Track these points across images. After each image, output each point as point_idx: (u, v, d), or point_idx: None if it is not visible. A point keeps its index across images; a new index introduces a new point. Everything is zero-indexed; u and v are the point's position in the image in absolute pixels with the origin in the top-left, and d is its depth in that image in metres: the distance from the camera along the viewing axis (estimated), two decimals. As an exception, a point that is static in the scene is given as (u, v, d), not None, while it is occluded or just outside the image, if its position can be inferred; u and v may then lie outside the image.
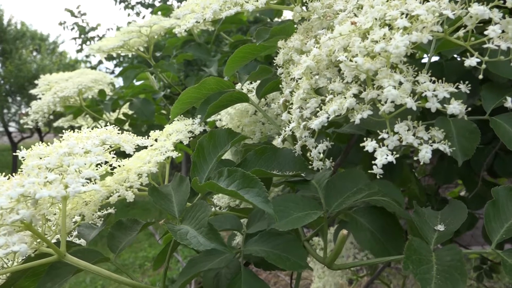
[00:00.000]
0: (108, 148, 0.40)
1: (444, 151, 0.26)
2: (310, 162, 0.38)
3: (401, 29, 0.25)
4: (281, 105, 0.43)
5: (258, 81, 0.65)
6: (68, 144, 0.34)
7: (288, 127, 0.35)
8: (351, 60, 0.27)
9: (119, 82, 1.04)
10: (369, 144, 0.27)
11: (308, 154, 0.36)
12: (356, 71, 0.28)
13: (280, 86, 0.40)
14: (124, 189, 0.40)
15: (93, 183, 0.32)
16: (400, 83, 0.25)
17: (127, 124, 1.05)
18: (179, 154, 0.44)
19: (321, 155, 0.34)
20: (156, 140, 0.49)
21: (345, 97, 0.29)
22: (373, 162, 0.26)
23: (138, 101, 0.98)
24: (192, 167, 0.39)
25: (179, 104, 0.55)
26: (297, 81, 0.35)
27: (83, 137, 0.37)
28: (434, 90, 0.25)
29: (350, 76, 0.29)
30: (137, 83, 1.09)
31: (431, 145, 0.25)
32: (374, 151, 0.26)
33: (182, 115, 0.58)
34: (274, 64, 0.42)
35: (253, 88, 0.68)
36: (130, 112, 1.06)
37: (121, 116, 1.06)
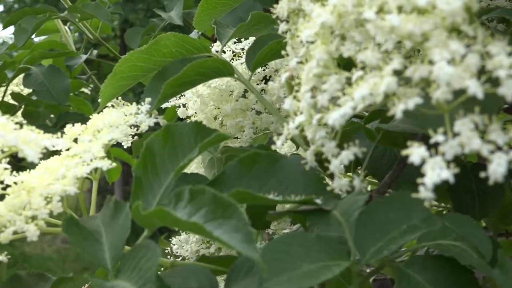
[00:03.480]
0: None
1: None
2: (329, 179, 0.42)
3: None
4: (284, 85, 0.48)
5: (250, 40, 0.70)
6: None
7: (294, 121, 0.40)
8: (383, 19, 0.32)
9: (7, 39, 1.09)
10: (415, 152, 0.31)
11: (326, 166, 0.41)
12: (393, 35, 0.33)
13: (284, 52, 0.45)
14: (24, 220, 0.45)
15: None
16: (461, 56, 0.30)
17: (19, 112, 1.10)
18: (114, 165, 0.49)
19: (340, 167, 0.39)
20: (75, 140, 0.54)
21: (382, 75, 0.34)
22: (418, 180, 0.31)
23: (40, 71, 1.03)
24: (134, 185, 0.44)
25: (115, 80, 0.60)
26: (307, 46, 0.40)
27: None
28: None
29: (389, 42, 0.34)
30: (39, 39, 1.14)
31: (508, 154, 0.30)
32: (423, 163, 0.31)
33: (119, 98, 0.63)
34: (274, 16, 0.47)
35: (242, 51, 0.73)
36: (26, 91, 1.10)
37: (8, 99, 1.11)
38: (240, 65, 0.72)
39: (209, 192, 0.37)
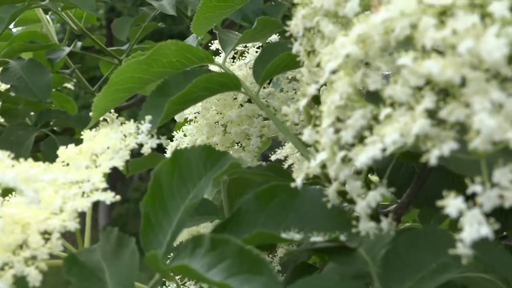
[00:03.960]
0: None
1: None
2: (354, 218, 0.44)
3: (499, 21, 0.31)
4: (302, 112, 0.49)
5: (256, 47, 0.71)
6: None
7: (315, 159, 0.41)
8: (420, 65, 0.33)
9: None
10: (451, 204, 0.33)
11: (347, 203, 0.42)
12: (428, 78, 0.34)
13: (299, 75, 0.46)
14: (23, 262, 0.46)
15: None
16: (500, 105, 0.31)
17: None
18: (118, 198, 0.50)
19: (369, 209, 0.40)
20: (68, 163, 0.54)
21: (413, 115, 0.35)
22: (456, 236, 0.32)
23: (19, 65, 1.03)
24: (143, 223, 0.45)
25: (110, 92, 0.61)
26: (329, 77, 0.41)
27: None
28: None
29: (420, 79, 0.35)
30: (17, 30, 1.14)
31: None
32: (460, 216, 0.32)
33: (112, 111, 0.63)
34: (286, 34, 0.48)
35: (245, 49, 0.73)
36: (4, 87, 1.11)
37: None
38: (244, 66, 0.73)
39: (232, 243, 0.38)
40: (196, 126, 0.73)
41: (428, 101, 0.35)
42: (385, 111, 0.37)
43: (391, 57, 0.38)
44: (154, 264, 0.41)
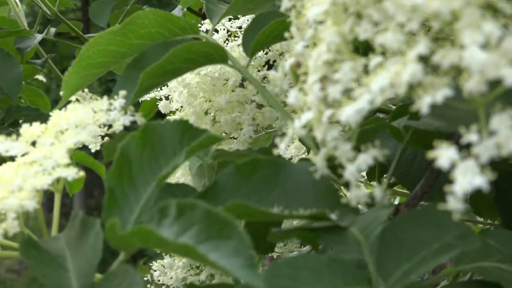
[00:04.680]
0: None
1: None
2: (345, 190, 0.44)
3: None
4: (289, 73, 0.50)
5: (247, 17, 0.72)
6: None
7: (300, 119, 0.42)
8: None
9: None
10: (443, 155, 0.34)
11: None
12: (417, 15, 0.35)
13: (288, 34, 0.47)
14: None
15: None
16: (496, 39, 0.32)
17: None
18: (82, 174, 0.51)
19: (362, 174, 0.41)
20: (33, 143, 0.56)
21: (405, 62, 0.36)
22: (445, 188, 0.33)
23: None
24: (107, 199, 0.46)
25: (81, 67, 0.62)
26: (316, 27, 0.42)
27: None
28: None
29: (413, 22, 0.36)
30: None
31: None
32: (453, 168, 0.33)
33: (86, 90, 0.65)
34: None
35: (239, 30, 0.75)
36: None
37: None
38: (236, 47, 0.74)
39: (201, 207, 0.39)
40: (182, 115, 0.75)
41: (422, 46, 0.36)
42: (375, 60, 0.38)
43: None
44: (113, 235, 0.42)
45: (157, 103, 0.78)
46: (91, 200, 7.01)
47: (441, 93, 0.34)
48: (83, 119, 0.56)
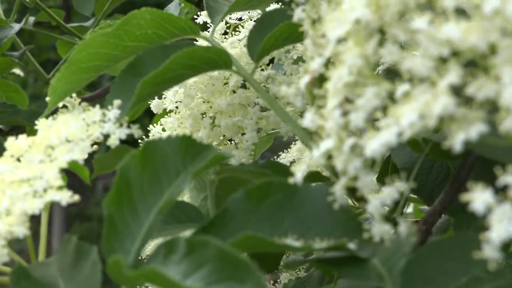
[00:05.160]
0: None
1: None
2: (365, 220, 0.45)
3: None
4: (304, 89, 0.50)
5: (253, 21, 0.72)
6: None
7: (319, 147, 0.43)
8: (437, 29, 0.35)
9: None
10: (478, 198, 0.34)
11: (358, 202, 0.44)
12: (449, 46, 0.35)
13: (302, 48, 0.48)
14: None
15: None
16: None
17: None
18: (76, 198, 0.51)
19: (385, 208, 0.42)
20: (19, 159, 0.56)
21: (435, 93, 0.37)
22: (482, 236, 0.34)
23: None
24: (106, 227, 0.47)
25: (71, 72, 0.62)
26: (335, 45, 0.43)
27: None
28: None
29: (441, 48, 0.37)
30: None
31: None
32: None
33: (74, 95, 0.65)
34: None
35: (239, 22, 0.75)
36: None
37: None
38: (237, 43, 0.74)
39: (214, 245, 0.39)
40: (178, 118, 0.75)
41: (454, 75, 0.37)
42: (402, 88, 0.39)
43: (410, 23, 0.40)
44: (117, 272, 0.42)
45: (150, 101, 0.77)
46: (72, 207, 6.85)
47: (475, 129, 0.35)
48: (75, 133, 0.56)
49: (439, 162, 0.69)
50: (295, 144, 0.90)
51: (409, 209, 1.01)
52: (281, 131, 0.71)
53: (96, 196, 6.67)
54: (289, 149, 0.86)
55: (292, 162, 0.88)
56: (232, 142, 0.73)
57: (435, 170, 0.69)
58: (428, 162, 0.70)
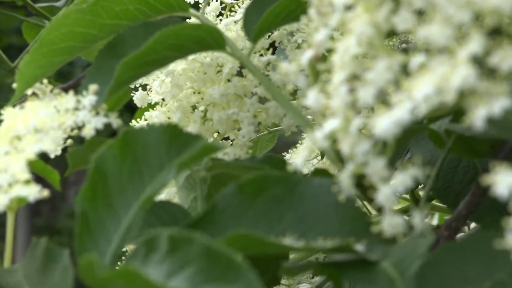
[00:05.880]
0: None
1: None
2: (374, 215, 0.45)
3: None
4: (307, 67, 0.50)
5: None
6: None
7: (323, 129, 0.43)
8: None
9: None
10: (501, 181, 0.35)
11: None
12: (470, 8, 0.36)
13: (306, 19, 0.48)
14: None
15: None
16: None
17: None
18: (45, 194, 0.51)
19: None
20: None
21: (455, 63, 0.37)
22: (506, 222, 0.34)
23: None
24: (79, 225, 0.47)
25: (42, 54, 0.62)
26: (342, 13, 0.43)
27: None
28: None
29: (465, 13, 0.37)
30: None
31: None
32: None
33: (45, 81, 0.65)
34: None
35: (234, 2, 0.75)
36: None
37: None
38: (233, 25, 0.74)
39: (200, 241, 0.39)
40: (164, 111, 0.75)
41: (475, 44, 0.37)
42: (417, 59, 0.39)
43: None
44: (90, 274, 0.42)
45: (132, 94, 0.77)
46: (38, 218, 6.76)
47: (499, 104, 0.35)
48: (45, 122, 0.56)
49: (465, 161, 0.69)
50: (301, 143, 0.89)
51: (434, 220, 1.01)
52: (284, 125, 0.71)
53: (67, 206, 6.57)
54: (294, 149, 0.86)
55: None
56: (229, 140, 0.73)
57: (461, 170, 0.69)
58: (454, 161, 0.70)
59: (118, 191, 0.48)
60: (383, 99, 0.40)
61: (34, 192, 0.50)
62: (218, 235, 0.45)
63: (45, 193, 0.50)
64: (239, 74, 0.72)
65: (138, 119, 0.78)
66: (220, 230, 0.47)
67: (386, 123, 0.38)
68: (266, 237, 0.44)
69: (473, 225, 0.80)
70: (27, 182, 0.51)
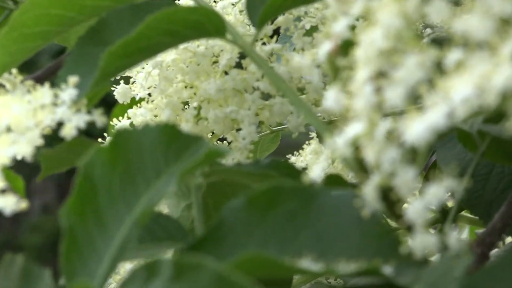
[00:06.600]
0: None
1: None
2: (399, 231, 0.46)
3: None
4: (325, 62, 0.51)
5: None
6: None
7: (344, 134, 0.44)
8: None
9: None
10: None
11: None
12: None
13: (316, 11, 0.48)
14: None
15: None
16: None
17: None
18: (24, 206, 0.51)
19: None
20: None
21: (497, 61, 0.38)
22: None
23: None
24: (66, 242, 0.47)
25: (12, 40, 0.62)
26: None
27: None
28: None
29: (508, 5, 0.38)
30: None
31: None
32: None
33: (14, 71, 0.65)
34: None
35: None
36: None
37: None
38: (231, 8, 0.73)
39: (209, 268, 0.39)
40: (151, 108, 0.75)
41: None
42: (454, 55, 0.40)
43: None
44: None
45: (114, 88, 0.77)
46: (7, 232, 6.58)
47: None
48: (20, 120, 0.56)
49: (499, 166, 0.69)
50: (308, 144, 0.91)
51: (464, 234, 1.01)
52: (290, 124, 0.71)
53: (30, 219, 6.40)
54: (300, 151, 0.86)
55: (303, 169, 0.87)
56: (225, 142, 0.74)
57: (494, 177, 0.70)
58: (486, 167, 0.70)
59: (108, 203, 0.49)
60: (414, 101, 0.41)
61: (11, 204, 0.51)
62: (226, 255, 0.46)
63: (24, 204, 0.51)
64: (238, 66, 0.71)
65: (120, 118, 0.78)
66: (228, 249, 0.47)
67: (419, 129, 0.39)
68: (279, 258, 0.44)
69: (508, 239, 0.80)
70: (2, 192, 0.52)
